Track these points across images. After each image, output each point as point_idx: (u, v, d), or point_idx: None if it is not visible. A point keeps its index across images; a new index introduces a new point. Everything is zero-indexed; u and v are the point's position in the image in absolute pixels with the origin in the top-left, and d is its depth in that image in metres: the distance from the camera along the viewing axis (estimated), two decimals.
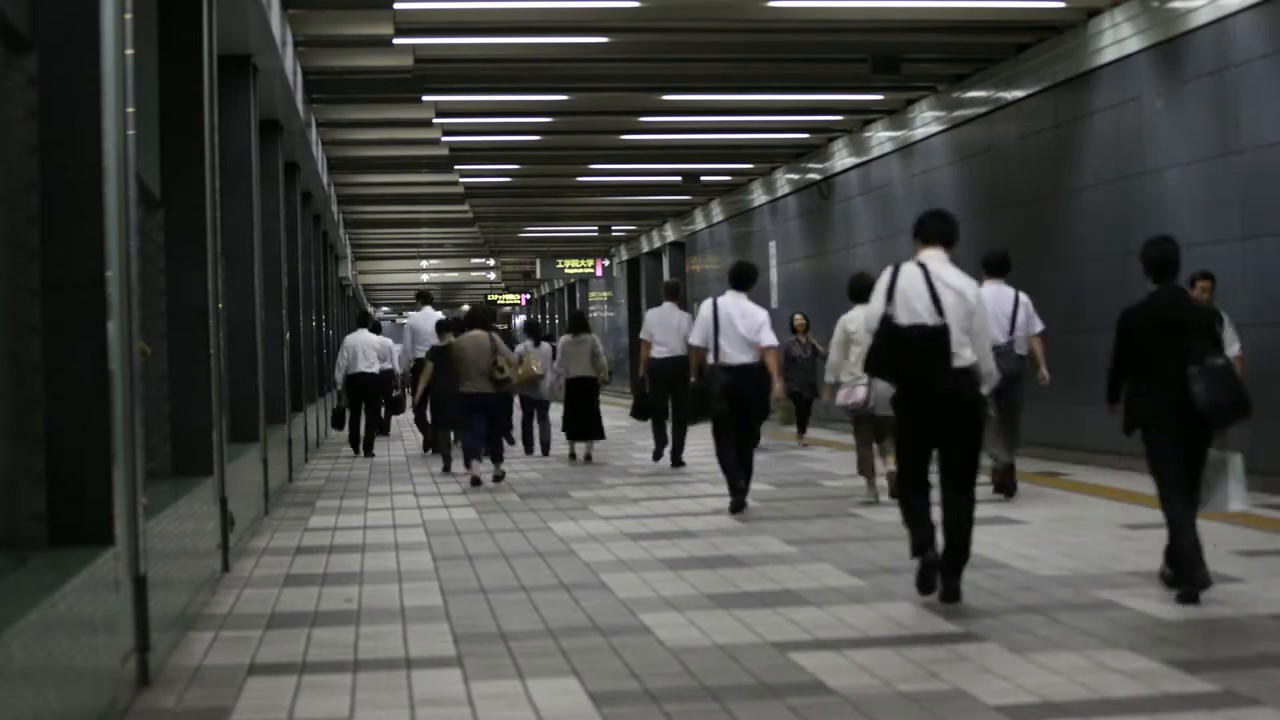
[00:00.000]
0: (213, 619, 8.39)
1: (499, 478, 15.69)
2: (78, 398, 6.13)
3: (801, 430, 20.65)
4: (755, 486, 14.57)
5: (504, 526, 12.17)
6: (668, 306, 16.88)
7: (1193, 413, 7.91)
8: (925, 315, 8.06)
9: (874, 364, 8.33)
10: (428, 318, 20.76)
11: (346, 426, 21.83)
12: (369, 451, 21.17)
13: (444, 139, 22.19)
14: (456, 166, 25.57)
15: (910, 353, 8.05)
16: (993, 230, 18.07)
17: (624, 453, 19.85)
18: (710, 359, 12.32)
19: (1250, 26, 12.76)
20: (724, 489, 12.70)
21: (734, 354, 12.26)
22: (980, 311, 8.25)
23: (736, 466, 12.41)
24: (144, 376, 7.37)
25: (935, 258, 8.29)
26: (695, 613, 7.99)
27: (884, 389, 10.10)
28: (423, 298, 22.27)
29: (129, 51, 6.74)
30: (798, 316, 21.02)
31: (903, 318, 8.10)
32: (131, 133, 6.72)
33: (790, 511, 12.49)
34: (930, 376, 8.05)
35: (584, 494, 14.54)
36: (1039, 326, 13.21)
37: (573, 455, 18.82)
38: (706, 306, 12.54)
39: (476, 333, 15.91)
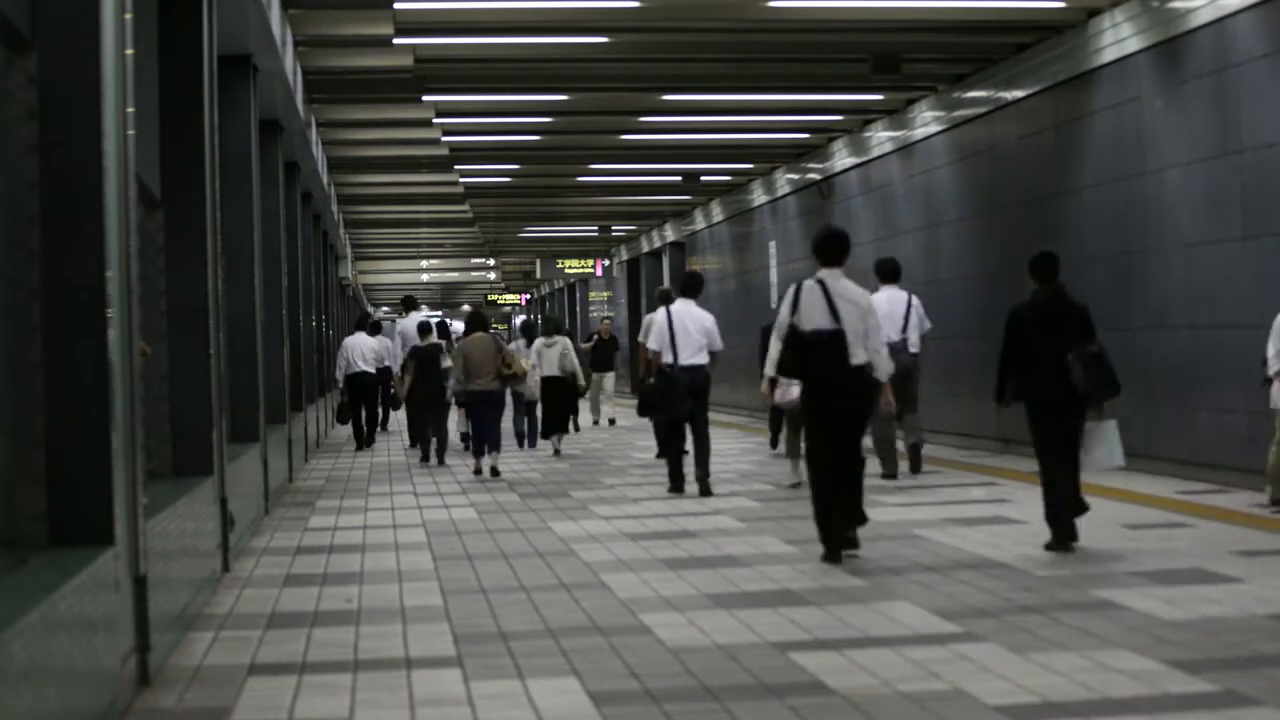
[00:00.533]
0: (213, 619, 8.39)
1: (495, 470, 16.77)
2: (78, 398, 6.13)
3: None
4: (755, 486, 14.60)
5: (504, 526, 12.18)
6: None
7: (1070, 392, 9.68)
8: (823, 323, 9.62)
9: (784, 366, 9.96)
10: (414, 322, 21.95)
11: (350, 422, 23.54)
12: (370, 443, 22.99)
13: (444, 139, 22.19)
14: (456, 166, 25.57)
15: (812, 355, 9.64)
16: (993, 230, 18.08)
17: (624, 452, 19.86)
18: (668, 359, 13.80)
19: (1250, 26, 12.76)
20: (724, 488, 12.95)
21: (690, 355, 13.82)
22: (873, 317, 9.80)
23: (681, 455, 14.16)
24: (144, 376, 7.37)
25: (832, 275, 9.84)
26: (695, 613, 7.99)
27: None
28: (408, 304, 23.86)
29: (129, 51, 6.75)
30: None
31: (805, 326, 9.67)
32: (131, 133, 6.72)
33: (790, 511, 12.49)
34: (829, 373, 9.65)
35: (584, 494, 14.54)
36: (928, 326, 15.25)
37: (556, 451, 19.85)
38: (661, 314, 14.05)
39: (481, 335, 17.37)
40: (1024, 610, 7.76)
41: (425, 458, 19.29)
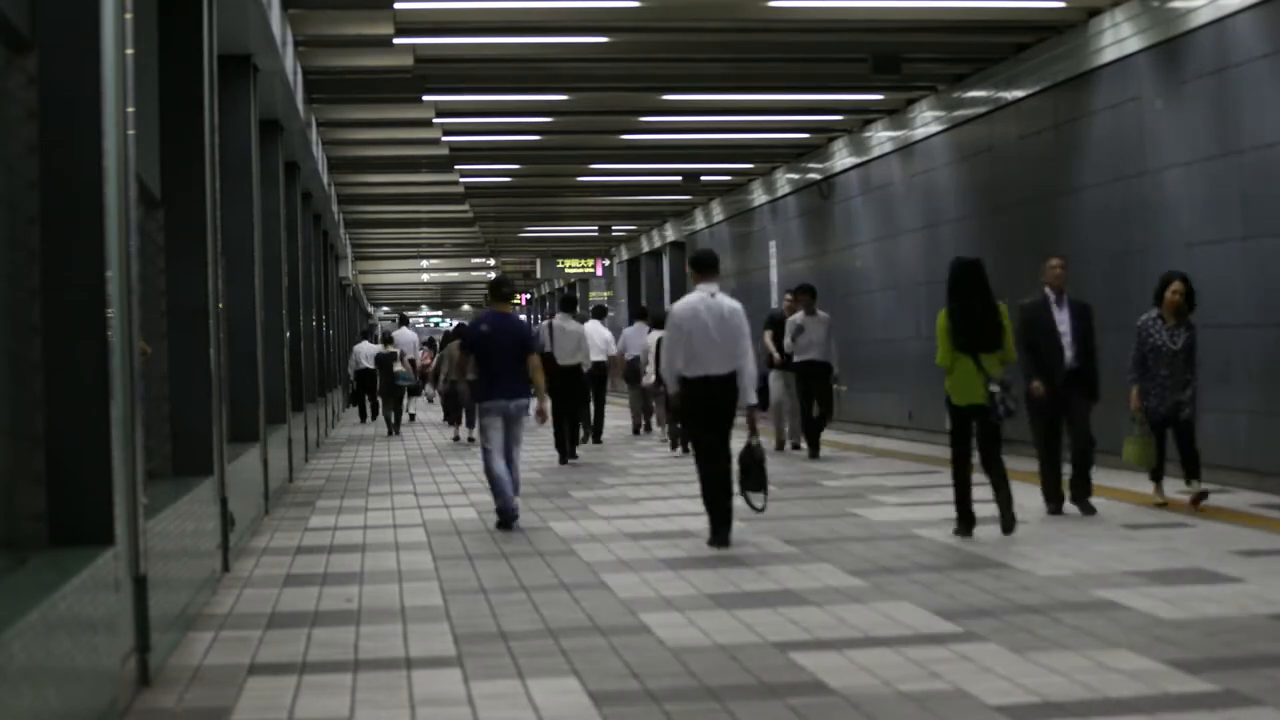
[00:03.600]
0: (213, 619, 8.39)
1: (471, 439, 23.08)
2: (78, 398, 6.13)
3: (1167, 472, 11.86)
4: None
5: None
6: (637, 325, 23.22)
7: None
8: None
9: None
10: (405, 334, 32.41)
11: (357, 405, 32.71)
12: (372, 418, 30.98)
13: (444, 139, 22.20)
14: (456, 166, 25.58)
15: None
16: (993, 230, 18.08)
17: (625, 452, 19.86)
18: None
19: (1250, 26, 12.76)
20: None
21: (565, 358, 18.73)
22: (585, 340, 18.61)
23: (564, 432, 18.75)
24: (144, 376, 7.37)
25: (564, 318, 17.38)
26: (695, 612, 7.99)
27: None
28: (402, 321, 33.55)
29: (129, 51, 6.75)
30: (1174, 285, 11.63)
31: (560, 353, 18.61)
32: (131, 133, 6.72)
33: (790, 511, 12.50)
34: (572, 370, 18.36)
35: (584, 494, 14.54)
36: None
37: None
38: (545, 327, 19.02)
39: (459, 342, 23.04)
40: (1024, 610, 7.76)
41: (390, 431, 27.01)
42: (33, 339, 6.06)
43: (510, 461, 12.24)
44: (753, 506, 10.85)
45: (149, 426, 8.31)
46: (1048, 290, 11.84)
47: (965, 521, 10.65)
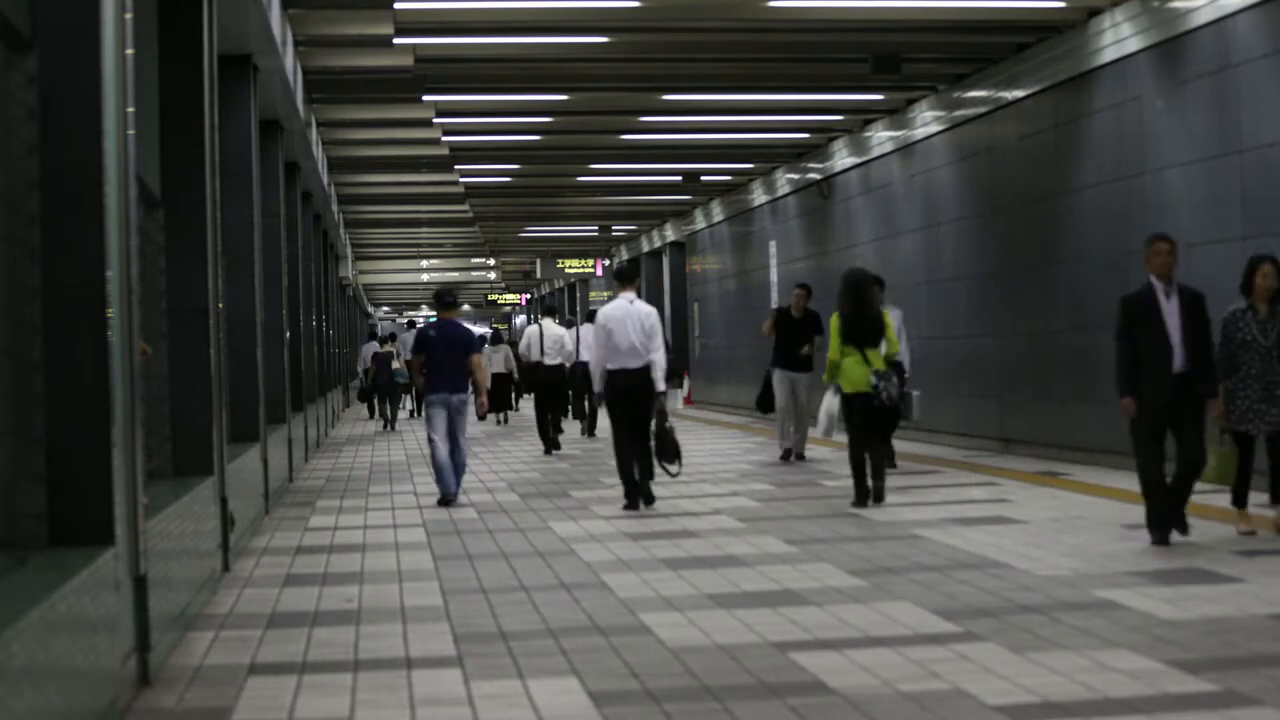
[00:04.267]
0: (213, 619, 8.39)
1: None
2: (78, 398, 6.13)
3: (1242, 496, 10.41)
4: (755, 486, 14.61)
5: (504, 526, 12.18)
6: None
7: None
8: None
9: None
10: (412, 335, 33.57)
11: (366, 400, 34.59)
12: (380, 415, 31.42)
13: (444, 139, 22.20)
14: (456, 166, 25.58)
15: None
16: (993, 230, 18.08)
17: None
18: (535, 358, 21.53)
19: (1250, 26, 12.76)
20: (725, 488, 13.06)
21: (549, 358, 21.18)
22: (565, 340, 21.04)
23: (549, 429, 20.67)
24: (144, 376, 7.37)
25: (549, 323, 20.24)
26: (695, 612, 8.00)
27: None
28: (410, 323, 37.12)
29: (129, 51, 6.75)
30: (1263, 268, 10.28)
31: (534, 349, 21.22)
32: (131, 133, 6.72)
33: (790, 511, 12.50)
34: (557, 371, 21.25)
35: (584, 494, 14.54)
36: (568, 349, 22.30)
37: (499, 421, 29.11)
38: (534, 328, 21.64)
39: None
40: (1024, 610, 7.76)
41: (385, 427, 29.06)
42: (33, 339, 6.06)
43: (456, 446, 14.13)
44: (668, 471, 13.01)
45: (149, 426, 8.31)
46: (1153, 280, 10.08)
47: (860, 494, 12.49)
